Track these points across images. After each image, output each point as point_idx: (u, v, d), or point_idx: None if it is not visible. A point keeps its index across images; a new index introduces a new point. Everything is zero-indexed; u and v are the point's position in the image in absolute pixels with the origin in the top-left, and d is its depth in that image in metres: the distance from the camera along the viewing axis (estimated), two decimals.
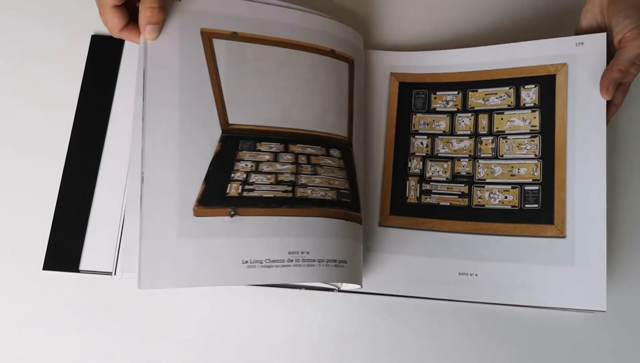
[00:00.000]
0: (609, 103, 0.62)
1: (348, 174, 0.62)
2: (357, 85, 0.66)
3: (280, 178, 0.59)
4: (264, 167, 0.59)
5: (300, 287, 0.62)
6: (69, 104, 0.68)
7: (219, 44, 0.60)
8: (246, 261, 0.55)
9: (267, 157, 0.59)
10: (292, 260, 0.56)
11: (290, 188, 0.58)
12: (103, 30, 0.65)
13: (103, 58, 0.69)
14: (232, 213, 0.56)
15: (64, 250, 0.63)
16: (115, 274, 0.61)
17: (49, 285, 0.62)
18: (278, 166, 0.59)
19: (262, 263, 0.55)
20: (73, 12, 0.72)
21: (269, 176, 0.59)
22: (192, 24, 0.60)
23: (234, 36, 0.61)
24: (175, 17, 0.59)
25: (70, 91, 0.68)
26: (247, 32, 0.61)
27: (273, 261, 0.55)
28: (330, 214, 0.58)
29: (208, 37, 0.60)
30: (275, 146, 0.60)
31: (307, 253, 0.56)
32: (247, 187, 0.58)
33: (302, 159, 0.60)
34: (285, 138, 0.60)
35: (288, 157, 0.60)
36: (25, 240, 0.64)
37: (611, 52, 0.63)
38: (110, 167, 0.65)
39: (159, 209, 0.54)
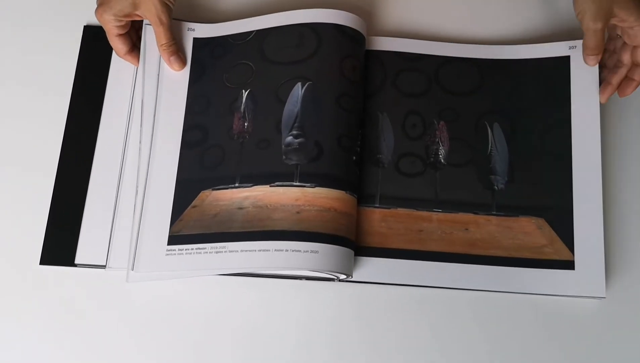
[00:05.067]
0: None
1: None
2: None
3: None
4: None
5: (300, 278, 0.63)
6: (63, 94, 0.67)
7: None
8: None
9: None
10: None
11: None
12: (95, 21, 0.65)
13: (95, 48, 0.69)
14: None
15: (60, 245, 0.63)
16: (107, 267, 0.62)
17: (45, 279, 0.62)
18: None
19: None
20: (65, 3, 0.71)
21: None
22: None
23: None
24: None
25: (64, 81, 0.68)
26: None
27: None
28: None
29: None
30: None
31: None
32: None
33: None
34: None
35: None
36: (22, 236, 0.63)
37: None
38: (103, 159, 0.65)
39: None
